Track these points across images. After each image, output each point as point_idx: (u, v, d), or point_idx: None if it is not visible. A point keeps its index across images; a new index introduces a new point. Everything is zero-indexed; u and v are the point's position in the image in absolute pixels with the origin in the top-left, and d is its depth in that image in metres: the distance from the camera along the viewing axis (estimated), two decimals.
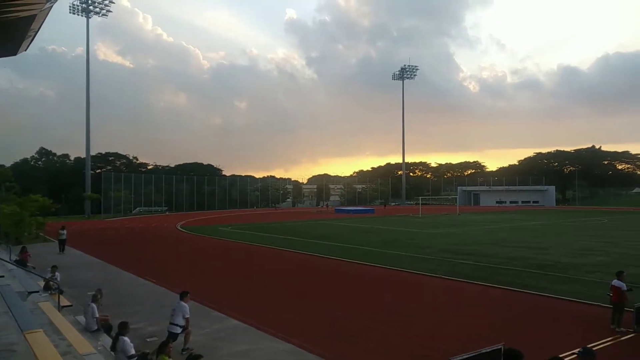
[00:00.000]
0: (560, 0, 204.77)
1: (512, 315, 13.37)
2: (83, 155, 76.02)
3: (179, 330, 10.35)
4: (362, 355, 10.26)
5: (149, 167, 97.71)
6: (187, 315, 10.46)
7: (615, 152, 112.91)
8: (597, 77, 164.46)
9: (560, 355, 5.89)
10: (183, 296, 10.79)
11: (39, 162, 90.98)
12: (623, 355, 10.11)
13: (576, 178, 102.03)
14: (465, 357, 8.42)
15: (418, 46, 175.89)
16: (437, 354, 9.92)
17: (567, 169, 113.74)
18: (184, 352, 9.97)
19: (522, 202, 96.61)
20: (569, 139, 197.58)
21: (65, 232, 27.95)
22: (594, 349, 7.13)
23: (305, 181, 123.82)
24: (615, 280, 12.01)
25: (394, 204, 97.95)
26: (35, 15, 11.25)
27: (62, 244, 27.66)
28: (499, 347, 8.47)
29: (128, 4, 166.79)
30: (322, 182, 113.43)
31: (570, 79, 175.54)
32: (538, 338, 11.07)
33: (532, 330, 11.78)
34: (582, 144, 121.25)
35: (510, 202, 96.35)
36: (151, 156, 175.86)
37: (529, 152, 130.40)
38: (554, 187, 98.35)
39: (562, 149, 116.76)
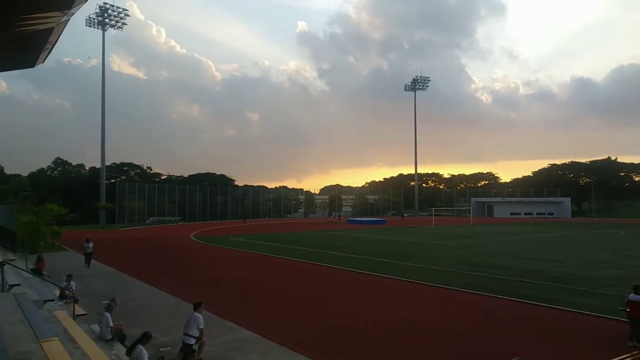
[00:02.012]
0: (573, 11, 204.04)
1: (527, 329, 13.14)
2: (98, 166, 77.06)
3: (192, 341, 10.34)
4: None
5: (163, 177, 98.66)
6: (201, 327, 10.46)
7: (632, 164, 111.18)
8: (612, 89, 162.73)
9: None
10: (197, 307, 10.81)
11: (55, 172, 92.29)
12: None
13: (592, 190, 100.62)
14: None
15: (430, 58, 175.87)
16: None
17: (582, 181, 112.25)
18: None
19: (537, 213, 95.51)
20: (583, 150, 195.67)
21: (91, 245, 26.32)
22: None
23: (317, 192, 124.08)
24: (632, 295, 11.74)
25: (408, 215, 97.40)
26: (53, 28, 11.49)
27: (88, 257, 26.10)
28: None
29: (142, 16, 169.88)
30: (334, 193, 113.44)
31: (584, 90, 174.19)
32: (554, 352, 10.87)
33: (548, 344, 11.56)
34: (597, 155, 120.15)
35: (525, 214, 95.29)
36: (165, 166, 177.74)
37: (543, 164, 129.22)
38: (569, 198, 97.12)
39: (577, 160, 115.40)
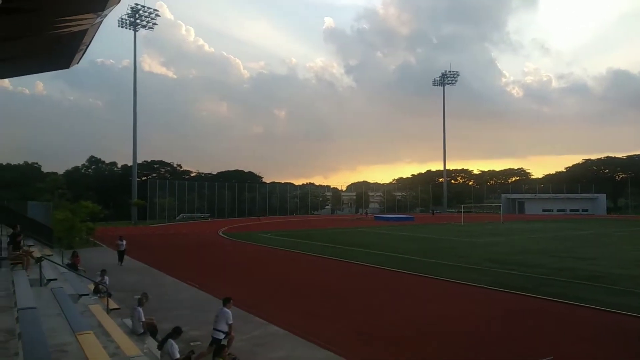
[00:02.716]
0: (608, 0, 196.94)
1: (560, 328, 12.84)
2: (130, 163, 78.88)
3: (222, 336, 10.51)
4: None
5: (192, 175, 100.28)
6: (230, 322, 10.61)
7: None
8: None
9: None
10: (226, 302, 10.97)
11: (89, 170, 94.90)
12: None
13: (629, 185, 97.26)
14: None
15: (459, 52, 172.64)
16: None
17: (618, 176, 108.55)
18: (227, 357, 10.12)
19: (570, 210, 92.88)
20: (620, 145, 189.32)
21: (124, 242, 26.08)
22: None
23: (344, 188, 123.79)
24: None
25: (437, 211, 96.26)
26: (87, 29, 11.80)
27: (121, 255, 25.87)
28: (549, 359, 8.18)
29: (171, 16, 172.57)
30: (362, 189, 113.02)
31: (620, 82, 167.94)
32: (587, 352, 10.60)
33: (581, 345, 11.29)
34: (634, 150, 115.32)
35: (558, 211, 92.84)
36: (194, 164, 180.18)
37: (577, 159, 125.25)
38: (604, 194, 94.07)
39: (612, 155, 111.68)
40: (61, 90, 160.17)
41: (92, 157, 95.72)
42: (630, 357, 9.92)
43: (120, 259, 25.85)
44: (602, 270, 21.94)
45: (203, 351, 10.15)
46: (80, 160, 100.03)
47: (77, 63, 16.65)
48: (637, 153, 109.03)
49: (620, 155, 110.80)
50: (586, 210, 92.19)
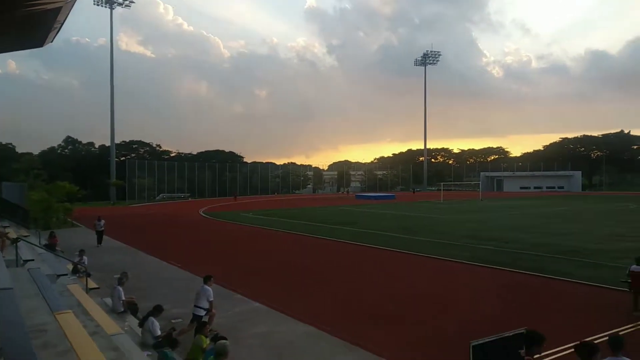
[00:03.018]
0: None
1: (535, 301, 13.21)
2: (108, 144, 77.46)
3: (202, 312, 10.54)
4: (383, 338, 10.29)
5: (172, 155, 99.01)
6: (211, 299, 10.63)
7: None
8: (627, 61, 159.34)
9: (585, 340, 5.80)
10: (207, 280, 10.97)
11: (66, 150, 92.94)
12: None
13: (603, 163, 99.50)
14: (487, 340, 8.38)
15: (440, 32, 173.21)
16: (459, 338, 9.88)
17: (594, 154, 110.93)
18: (209, 334, 10.17)
19: (547, 187, 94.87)
20: (596, 124, 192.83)
21: (103, 222, 25.61)
22: (620, 334, 7.04)
23: (325, 168, 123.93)
24: (634, 266, 11.76)
25: (418, 190, 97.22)
26: (61, 7, 11.38)
27: (99, 235, 25.44)
28: (522, 331, 8.40)
29: None
30: (343, 169, 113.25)
31: (598, 63, 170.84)
32: (562, 323, 10.94)
33: (556, 316, 11.64)
34: (610, 128, 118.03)
35: (535, 188, 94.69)
36: (174, 144, 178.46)
37: (554, 138, 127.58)
38: (580, 172, 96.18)
39: (589, 134, 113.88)
40: (35, 70, 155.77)
41: (68, 137, 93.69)
42: (602, 327, 10.27)
43: (99, 239, 25.40)
44: (577, 245, 22.52)
45: (184, 328, 10.17)
46: (56, 141, 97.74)
47: (52, 42, 16.11)
48: (612, 132, 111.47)
49: (596, 134, 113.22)
50: (562, 188, 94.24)
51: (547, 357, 8.36)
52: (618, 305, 12.42)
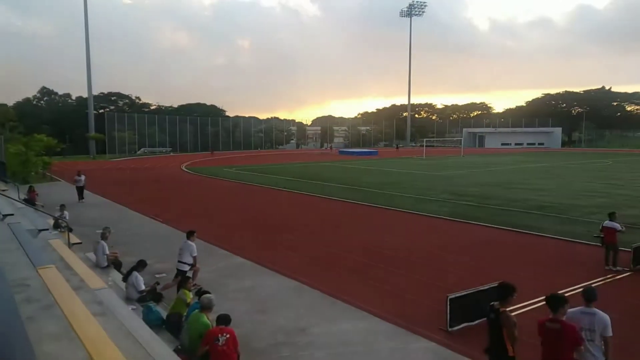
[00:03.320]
0: None
1: (510, 255, 13.65)
2: (85, 95, 75.32)
3: (186, 267, 10.67)
4: (364, 291, 10.60)
5: (152, 108, 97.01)
6: (195, 254, 10.74)
7: (626, 93, 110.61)
8: (613, 15, 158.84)
9: (558, 292, 6.08)
10: (190, 235, 11.04)
11: (42, 102, 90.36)
12: (622, 292, 10.38)
13: (583, 120, 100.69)
14: (462, 294, 8.72)
15: None
16: (436, 291, 10.24)
17: (575, 111, 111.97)
18: (192, 289, 10.34)
19: (527, 144, 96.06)
20: (579, 80, 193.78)
21: (83, 177, 25.25)
22: (593, 286, 7.38)
23: (309, 123, 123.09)
24: (607, 222, 12.18)
25: (401, 145, 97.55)
26: None
27: (80, 191, 25.10)
28: (495, 284, 8.75)
29: None
30: (327, 124, 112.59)
31: (584, 16, 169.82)
32: (532, 277, 11.37)
33: (530, 269, 12.08)
34: (593, 84, 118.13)
35: (515, 144, 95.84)
36: (154, 96, 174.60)
37: (537, 93, 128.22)
38: (560, 129, 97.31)
39: (571, 90, 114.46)
40: (4, 15, 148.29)
41: (44, 88, 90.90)
42: (573, 281, 10.72)
43: (80, 195, 24.98)
44: (553, 200, 23.12)
45: (168, 283, 10.31)
46: (31, 92, 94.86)
47: None
48: (593, 88, 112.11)
49: (578, 90, 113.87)
50: (542, 144, 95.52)
51: (521, 309, 8.74)
52: (592, 258, 12.91)
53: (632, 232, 14.48)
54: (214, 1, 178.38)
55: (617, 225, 11.97)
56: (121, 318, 6.96)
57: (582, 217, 18.73)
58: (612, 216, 12.27)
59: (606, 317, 5.50)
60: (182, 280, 8.92)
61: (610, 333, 5.45)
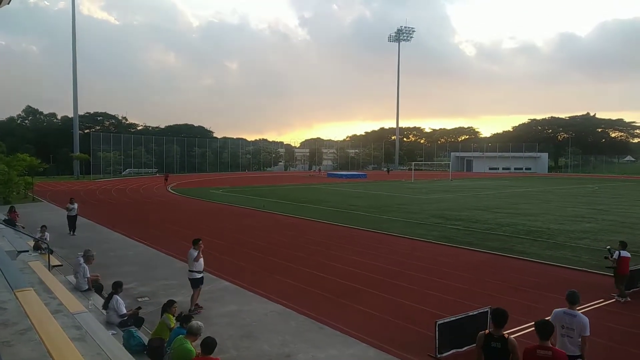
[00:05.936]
0: None
1: (500, 280, 13.53)
2: (71, 115, 74.78)
3: (198, 275, 10.77)
4: (351, 316, 10.38)
5: (139, 128, 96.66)
6: (192, 260, 10.82)
7: (610, 120, 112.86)
8: (595, 44, 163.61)
9: (547, 319, 5.98)
10: (194, 244, 11.24)
11: (26, 121, 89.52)
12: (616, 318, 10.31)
13: (569, 145, 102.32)
14: (452, 319, 8.55)
15: (414, 8, 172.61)
16: (425, 316, 10.06)
17: (560, 136, 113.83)
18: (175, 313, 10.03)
19: (515, 168, 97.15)
20: (564, 106, 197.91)
21: (76, 206, 21.08)
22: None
23: (297, 145, 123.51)
24: (623, 251, 11.67)
25: (392, 169, 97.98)
26: None
27: (72, 221, 20.79)
28: (486, 309, 8.60)
29: None
30: (315, 146, 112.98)
31: (567, 45, 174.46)
32: (525, 302, 11.25)
33: (520, 295, 11.96)
34: (577, 111, 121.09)
35: (503, 169, 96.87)
36: (140, 116, 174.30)
37: (523, 119, 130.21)
38: (546, 154, 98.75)
39: (556, 116, 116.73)
40: None
41: (28, 107, 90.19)
42: (563, 305, 10.61)
43: (72, 225, 20.85)
44: (541, 225, 23.18)
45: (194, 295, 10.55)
46: (15, 111, 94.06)
47: (8, 3, 15.19)
48: (578, 114, 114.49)
49: (563, 116, 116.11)
50: (529, 169, 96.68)
51: (511, 334, 8.57)
52: (580, 283, 12.78)
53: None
54: (202, 23, 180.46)
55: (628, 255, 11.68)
56: (100, 343, 6.70)
57: (569, 242, 18.76)
58: (624, 245, 11.94)
59: (585, 319, 6.30)
60: (165, 303, 8.65)
61: (588, 333, 6.21)
